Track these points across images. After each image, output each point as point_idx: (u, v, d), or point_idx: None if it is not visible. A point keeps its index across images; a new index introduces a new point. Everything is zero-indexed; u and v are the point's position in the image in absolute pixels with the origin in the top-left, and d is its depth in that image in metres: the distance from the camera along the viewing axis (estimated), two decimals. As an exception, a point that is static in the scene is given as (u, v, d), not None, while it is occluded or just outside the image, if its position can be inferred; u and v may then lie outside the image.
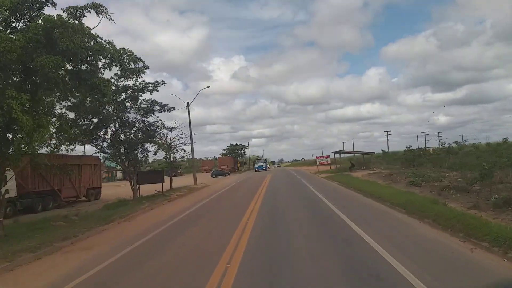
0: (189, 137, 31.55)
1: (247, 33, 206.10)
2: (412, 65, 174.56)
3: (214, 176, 56.61)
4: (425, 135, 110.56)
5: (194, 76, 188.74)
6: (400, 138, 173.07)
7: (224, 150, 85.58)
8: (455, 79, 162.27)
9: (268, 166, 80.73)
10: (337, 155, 42.45)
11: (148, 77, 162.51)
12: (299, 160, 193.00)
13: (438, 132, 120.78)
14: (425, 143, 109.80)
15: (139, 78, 17.00)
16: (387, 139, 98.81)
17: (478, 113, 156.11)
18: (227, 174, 57.89)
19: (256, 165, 68.45)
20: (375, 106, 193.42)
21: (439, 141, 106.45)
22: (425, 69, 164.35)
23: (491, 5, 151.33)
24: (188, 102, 32.16)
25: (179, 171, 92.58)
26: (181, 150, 28.00)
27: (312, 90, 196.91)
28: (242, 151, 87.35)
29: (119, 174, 76.14)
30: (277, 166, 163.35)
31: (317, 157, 43.83)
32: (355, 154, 42.48)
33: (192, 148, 31.72)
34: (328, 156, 43.39)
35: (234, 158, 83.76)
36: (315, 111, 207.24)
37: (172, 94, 33.57)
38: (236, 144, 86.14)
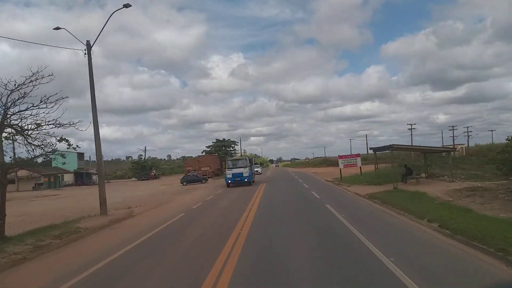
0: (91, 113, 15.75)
1: (245, 31, 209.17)
2: (412, 64, 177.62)
3: (184, 183, 41.28)
4: (453, 129, 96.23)
5: (193, 74, 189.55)
6: (399, 137, 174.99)
7: (208, 147, 70.16)
8: (455, 77, 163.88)
9: (259, 169, 55.83)
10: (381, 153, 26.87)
11: (145, 75, 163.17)
12: (299, 159, 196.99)
13: (467, 127, 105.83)
14: (453, 140, 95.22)
15: None
16: (411, 134, 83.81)
17: (477, 112, 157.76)
18: (204, 181, 42.49)
19: (229, 173, 30.81)
20: (374, 105, 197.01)
21: (468, 137, 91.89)
22: (424, 67, 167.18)
23: (491, 3, 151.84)
24: (88, 41, 16.42)
25: (152, 173, 77.30)
26: (53, 137, 12.16)
27: (311, 88, 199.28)
28: (231, 149, 71.97)
29: (67, 178, 60.86)
30: (275, 165, 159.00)
31: (340, 157, 28.64)
32: (406, 151, 27.05)
33: (96, 134, 16.26)
34: (358, 156, 28.20)
35: (221, 157, 68.33)
36: (314, 110, 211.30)
37: (59, 27, 16.78)
38: (224, 139, 70.66)
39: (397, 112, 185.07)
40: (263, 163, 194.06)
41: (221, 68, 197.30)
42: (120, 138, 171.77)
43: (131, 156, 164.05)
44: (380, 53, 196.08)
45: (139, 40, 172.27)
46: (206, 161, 58.57)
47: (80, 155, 63.32)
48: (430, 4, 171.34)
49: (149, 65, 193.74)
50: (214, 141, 70.55)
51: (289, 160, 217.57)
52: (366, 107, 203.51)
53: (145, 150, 75.53)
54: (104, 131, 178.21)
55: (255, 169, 45.83)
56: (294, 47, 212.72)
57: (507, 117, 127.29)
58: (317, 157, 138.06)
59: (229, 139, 70.79)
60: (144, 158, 74.84)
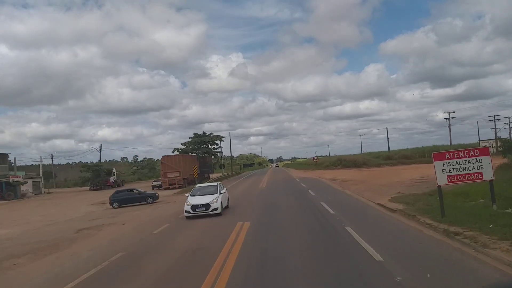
0: None
1: (244, 31, 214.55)
2: (411, 61, 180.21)
3: (115, 204, 24.36)
4: (494, 119, 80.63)
5: (192, 74, 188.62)
6: (399, 135, 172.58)
7: (184, 144, 53.09)
8: (454, 75, 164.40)
9: (215, 199, 16.18)
10: None
11: (144, 75, 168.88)
12: (299, 158, 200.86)
13: (509, 117, 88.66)
14: (495, 132, 78.52)
15: None
16: (449, 125, 66.61)
17: (476, 109, 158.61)
18: (151, 200, 25.22)
19: None
20: (373, 103, 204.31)
21: (510, 130, 75.30)
22: (424, 65, 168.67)
23: (490, 0, 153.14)
24: None
25: (112, 179, 59.83)
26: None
27: (310, 87, 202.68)
28: (215, 146, 55.09)
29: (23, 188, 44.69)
30: (276, 165, 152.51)
31: (439, 157, 11.33)
32: None
33: None
34: (487, 152, 10.99)
35: (200, 158, 51.43)
36: (313, 108, 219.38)
37: None
38: (205, 133, 53.55)
39: (397, 110, 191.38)
40: (262, 163, 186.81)
41: (221, 68, 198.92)
42: (120, 139, 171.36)
43: (126, 157, 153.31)
44: (379, 51, 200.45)
45: (138, 40, 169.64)
46: (175, 163, 41.65)
47: (1, 157, 46.43)
48: (429, 2, 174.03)
49: (148, 66, 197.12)
50: (192, 135, 53.48)
51: (289, 159, 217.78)
52: (365, 105, 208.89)
53: (101, 150, 58.21)
54: (104, 132, 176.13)
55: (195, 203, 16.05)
56: (293, 46, 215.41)
57: (506, 114, 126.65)
58: (320, 156, 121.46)
59: (211, 133, 53.73)
60: (100, 160, 57.74)
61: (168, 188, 40.27)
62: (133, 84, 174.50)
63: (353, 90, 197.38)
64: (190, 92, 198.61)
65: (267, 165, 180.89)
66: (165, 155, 42.89)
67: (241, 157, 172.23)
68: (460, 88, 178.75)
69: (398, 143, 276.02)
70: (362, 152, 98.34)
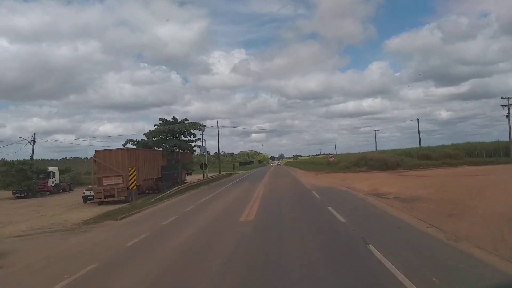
0: None
1: (247, 27, 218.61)
2: (415, 59, 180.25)
3: None
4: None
5: (194, 70, 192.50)
6: (401, 134, 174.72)
7: (147, 134, 37.61)
8: (459, 73, 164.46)
9: None
10: None
11: (146, 71, 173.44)
12: (301, 156, 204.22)
13: None
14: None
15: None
16: (508, 114, 50.83)
17: (480, 108, 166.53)
18: None
19: None
20: (377, 101, 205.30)
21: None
22: (428, 63, 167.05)
23: None
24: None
25: (51, 183, 43.61)
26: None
27: (313, 85, 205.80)
28: (191, 139, 39.78)
29: None
30: (277, 163, 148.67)
31: None
32: None
33: None
34: None
35: (168, 154, 36.27)
36: (316, 106, 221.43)
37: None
38: (175, 119, 38.21)
39: (400, 108, 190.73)
40: (263, 161, 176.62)
41: (223, 64, 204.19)
42: (122, 134, 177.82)
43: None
44: (383, 49, 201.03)
45: (140, 35, 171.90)
46: (116, 163, 26.41)
47: None
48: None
49: (150, 61, 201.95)
50: (159, 123, 38.02)
51: (291, 157, 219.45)
52: (368, 103, 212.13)
53: (33, 142, 42.30)
54: (106, 128, 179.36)
55: None
56: (296, 42, 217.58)
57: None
58: (327, 154, 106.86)
59: (185, 119, 38.17)
60: (32, 155, 42.35)
61: (109, 202, 25.25)
62: (135, 79, 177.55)
63: (356, 88, 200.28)
64: (192, 88, 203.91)
65: (268, 163, 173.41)
66: (100, 150, 27.32)
67: (241, 154, 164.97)
68: (464, 87, 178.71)
69: (400, 142, 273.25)
70: (377, 149, 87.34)
